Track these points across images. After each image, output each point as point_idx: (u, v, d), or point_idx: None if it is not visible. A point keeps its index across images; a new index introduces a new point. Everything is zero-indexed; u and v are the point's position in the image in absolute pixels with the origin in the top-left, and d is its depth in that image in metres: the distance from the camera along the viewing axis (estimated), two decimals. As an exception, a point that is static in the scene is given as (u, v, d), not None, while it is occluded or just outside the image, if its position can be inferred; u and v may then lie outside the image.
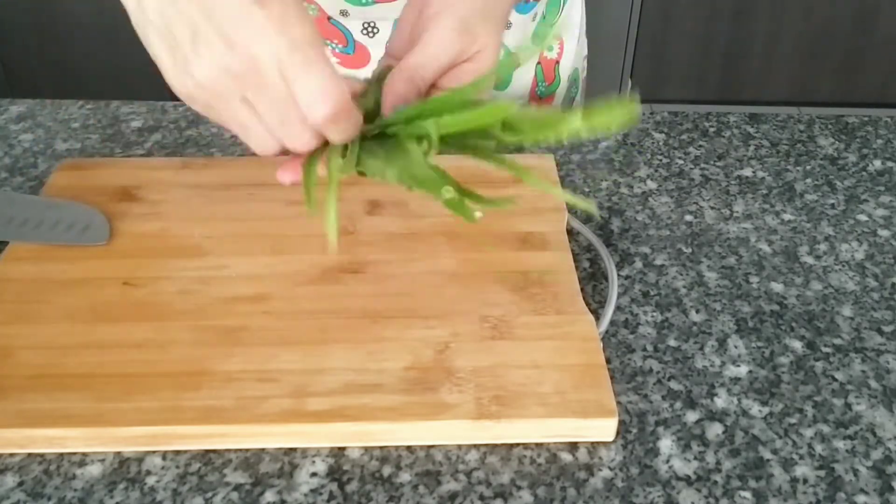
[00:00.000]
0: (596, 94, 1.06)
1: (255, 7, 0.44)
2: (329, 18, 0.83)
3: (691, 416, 0.55)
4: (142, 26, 0.47)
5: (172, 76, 0.48)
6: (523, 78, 0.92)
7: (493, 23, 0.54)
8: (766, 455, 0.53)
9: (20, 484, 0.51)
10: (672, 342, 0.60)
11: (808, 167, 0.79)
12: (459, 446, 0.53)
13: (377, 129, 0.51)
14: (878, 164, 0.80)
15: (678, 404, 0.56)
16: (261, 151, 0.49)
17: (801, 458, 0.53)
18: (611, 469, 0.52)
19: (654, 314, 0.62)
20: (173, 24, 0.45)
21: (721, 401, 0.56)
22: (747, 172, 0.78)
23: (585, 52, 1.01)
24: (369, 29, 0.83)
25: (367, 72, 0.87)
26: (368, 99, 0.53)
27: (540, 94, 0.94)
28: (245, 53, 0.44)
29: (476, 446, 0.53)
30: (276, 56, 0.45)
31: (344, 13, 0.82)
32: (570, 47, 0.95)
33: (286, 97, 0.46)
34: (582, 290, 0.62)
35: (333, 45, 0.86)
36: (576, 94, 0.99)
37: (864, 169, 0.79)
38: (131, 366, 0.55)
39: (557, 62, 0.94)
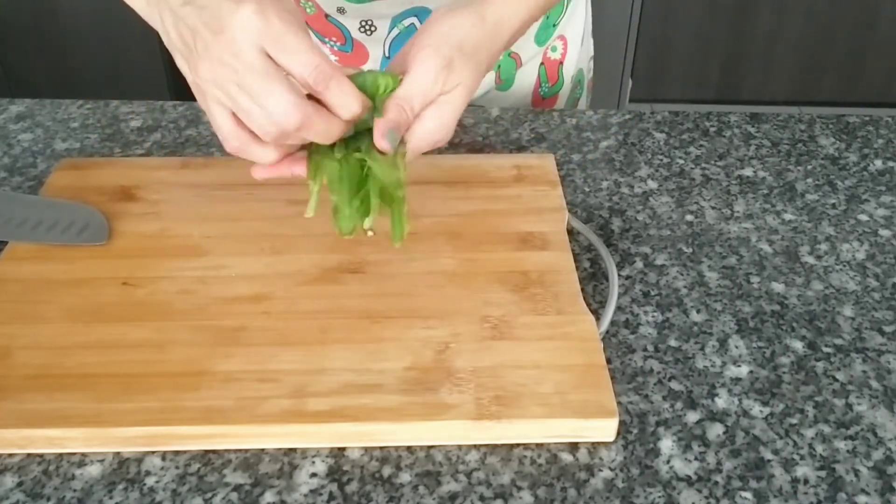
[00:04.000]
0: (597, 94, 1.06)
1: (235, 4, 0.51)
2: (327, 16, 0.83)
3: (692, 417, 0.55)
4: (165, 38, 0.56)
5: (189, 79, 0.55)
6: (526, 78, 0.92)
7: (475, 64, 0.59)
8: (767, 455, 0.53)
9: (19, 484, 0.51)
10: (673, 342, 0.60)
11: (809, 167, 0.79)
12: (459, 447, 0.53)
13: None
14: (878, 163, 0.80)
15: (679, 405, 0.56)
16: (263, 135, 0.54)
17: (802, 458, 0.52)
18: (611, 469, 0.52)
19: (655, 314, 0.62)
20: (182, 31, 0.54)
21: (722, 401, 0.56)
22: (748, 172, 0.78)
23: (591, 53, 1.01)
24: (367, 27, 0.83)
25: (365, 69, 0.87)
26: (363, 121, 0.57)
27: (543, 95, 0.94)
28: (230, 42, 0.51)
29: (476, 447, 0.53)
30: (256, 41, 0.51)
31: (341, 10, 0.82)
32: (574, 48, 0.94)
33: (266, 71, 0.52)
34: (582, 290, 0.62)
35: (332, 43, 0.86)
36: (580, 95, 0.99)
37: (865, 169, 0.79)
38: (131, 366, 0.55)
39: (561, 63, 0.93)
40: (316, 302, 0.60)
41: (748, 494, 0.50)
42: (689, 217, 0.72)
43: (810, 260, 0.68)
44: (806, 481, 0.51)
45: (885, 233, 0.71)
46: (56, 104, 0.87)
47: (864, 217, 0.72)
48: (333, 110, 0.54)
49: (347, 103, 0.54)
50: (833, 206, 0.74)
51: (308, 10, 0.83)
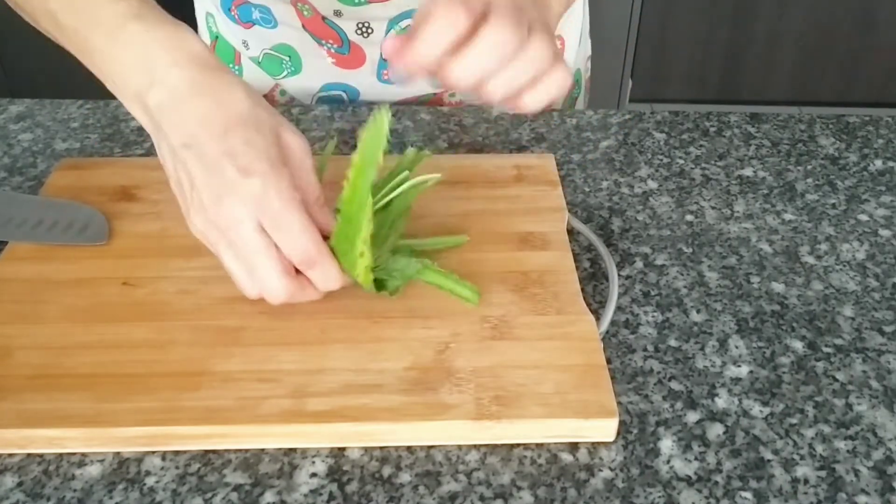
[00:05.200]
0: (597, 94, 1.06)
1: (241, 178, 0.52)
2: (324, 18, 0.83)
3: (692, 417, 0.55)
4: (158, 151, 0.57)
5: (184, 212, 0.56)
6: None
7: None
8: (767, 455, 0.53)
9: (19, 484, 0.51)
10: (673, 342, 0.60)
11: (809, 167, 0.79)
12: (459, 447, 0.53)
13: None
14: (878, 163, 0.80)
15: (679, 404, 0.56)
16: (246, 293, 0.56)
17: (802, 458, 0.52)
18: (611, 469, 0.52)
19: (655, 314, 0.62)
20: (179, 173, 0.55)
21: (722, 401, 0.56)
22: (748, 172, 0.78)
23: (589, 52, 1.01)
24: (363, 29, 0.83)
25: (362, 71, 0.87)
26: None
27: None
28: (229, 214, 0.52)
29: (476, 447, 0.53)
30: (255, 220, 0.52)
31: (338, 13, 0.82)
32: (572, 48, 0.94)
33: (262, 249, 0.53)
34: (582, 290, 0.62)
35: (329, 46, 0.86)
36: (578, 94, 0.99)
37: (865, 169, 0.79)
38: (130, 366, 0.55)
39: None
40: (316, 302, 0.60)
41: (748, 494, 0.50)
42: (689, 217, 0.72)
43: (810, 260, 0.68)
44: (806, 481, 0.51)
45: (885, 233, 0.71)
46: (56, 104, 0.87)
47: (864, 217, 0.72)
48: (314, 283, 0.56)
49: (328, 284, 0.56)
50: (833, 206, 0.74)
51: (305, 13, 0.83)
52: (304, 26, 0.84)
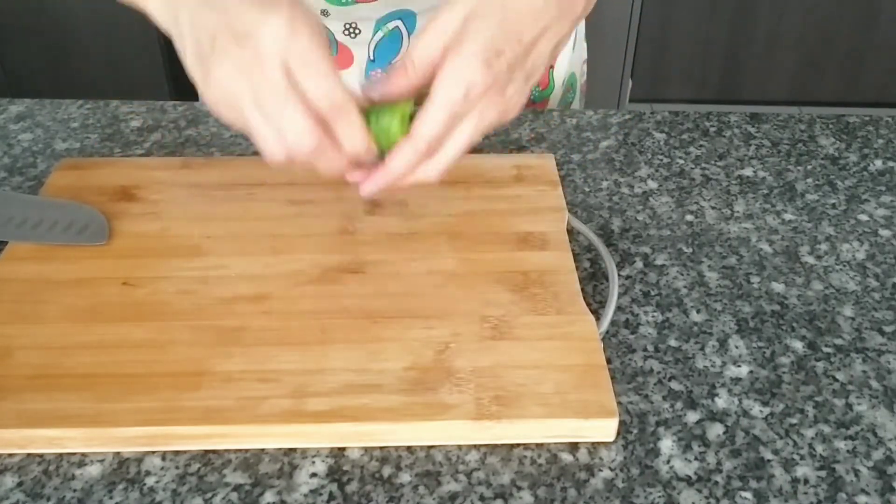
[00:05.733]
0: (597, 94, 1.06)
1: (264, 13, 0.50)
2: None
3: (692, 417, 0.55)
4: (178, 40, 0.54)
5: (200, 82, 0.53)
6: None
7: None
8: (767, 455, 0.53)
9: (19, 484, 0.51)
10: (673, 342, 0.60)
11: (809, 167, 0.79)
12: (459, 447, 0.53)
13: None
14: (878, 163, 0.80)
15: (679, 405, 0.56)
16: (270, 156, 0.54)
17: (802, 458, 0.52)
18: (611, 469, 0.52)
19: (655, 314, 0.62)
20: (199, 33, 0.52)
21: (722, 401, 0.56)
22: (748, 172, 0.78)
23: (585, 56, 1.01)
24: (350, 29, 0.83)
25: (350, 73, 0.87)
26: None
27: (533, 99, 0.94)
28: (253, 51, 0.50)
29: (476, 447, 0.53)
30: (282, 59, 0.50)
31: (325, 13, 0.82)
32: (565, 53, 0.94)
33: (287, 91, 0.50)
34: (582, 290, 0.62)
35: None
36: (572, 98, 0.99)
37: (865, 169, 0.79)
38: (130, 366, 0.55)
39: (551, 67, 0.93)
40: (316, 302, 0.60)
41: (748, 494, 0.50)
42: (689, 217, 0.72)
43: (810, 260, 0.68)
44: (806, 481, 0.51)
45: (885, 233, 0.71)
46: (56, 104, 0.87)
47: (864, 217, 0.72)
48: (340, 141, 0.53)
49: (355, 140, 0.53)
50: (833, 206, 0.74)
51: None
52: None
